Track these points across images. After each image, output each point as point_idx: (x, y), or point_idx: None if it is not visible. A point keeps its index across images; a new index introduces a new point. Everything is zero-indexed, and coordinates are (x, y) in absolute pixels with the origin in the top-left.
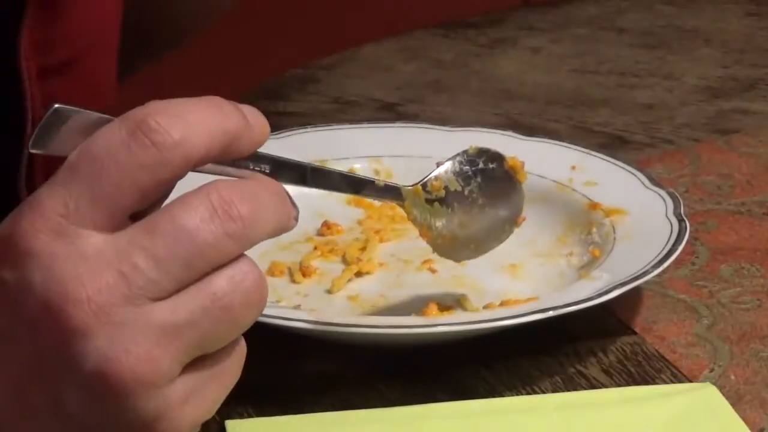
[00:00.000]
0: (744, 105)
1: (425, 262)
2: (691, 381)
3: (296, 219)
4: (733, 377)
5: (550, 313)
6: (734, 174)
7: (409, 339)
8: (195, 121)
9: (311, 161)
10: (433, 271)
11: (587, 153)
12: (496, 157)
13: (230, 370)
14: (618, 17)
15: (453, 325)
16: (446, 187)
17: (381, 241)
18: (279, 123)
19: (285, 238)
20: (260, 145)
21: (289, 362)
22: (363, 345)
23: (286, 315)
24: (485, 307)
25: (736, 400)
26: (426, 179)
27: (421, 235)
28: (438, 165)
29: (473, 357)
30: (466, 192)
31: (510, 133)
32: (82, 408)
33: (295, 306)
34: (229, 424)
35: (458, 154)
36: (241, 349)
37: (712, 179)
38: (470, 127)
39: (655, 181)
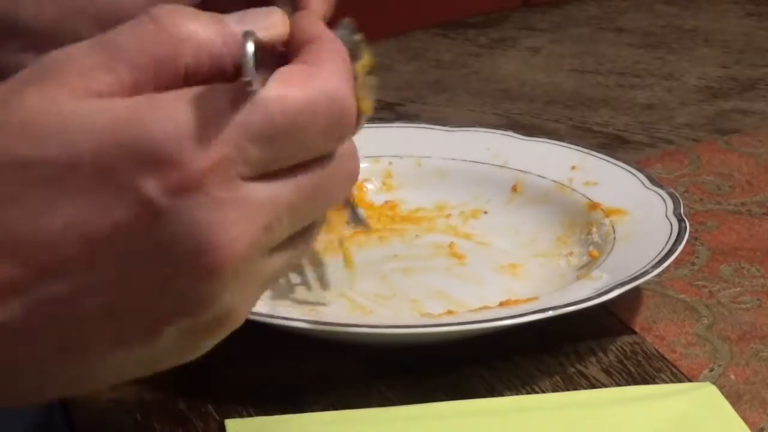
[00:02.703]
0: (744, 105)
1: (425, 261)
2: (690, 380)
3: None
4: (732, 377)
5: (550, 313)
6: (734, 174)
7: (409, 339)
8: None
9: None
10: (433, 270)
11: (587, 153)
12: None
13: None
14: (618, 17)
15: (453, 325)
16: None
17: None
18: None
19: None
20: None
21: (289, 362)
22: (363, 345)
23: (286, 315)
24: (485, 308)
25: (735, 399)
26: None
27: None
28: None
29: (473, 357)
30: None
31: (510, 133)
32: (177, 344)
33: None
34: (229, 423)
35: None
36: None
37: (711, 179)
38: (470, 127)
39: (655, 181)
